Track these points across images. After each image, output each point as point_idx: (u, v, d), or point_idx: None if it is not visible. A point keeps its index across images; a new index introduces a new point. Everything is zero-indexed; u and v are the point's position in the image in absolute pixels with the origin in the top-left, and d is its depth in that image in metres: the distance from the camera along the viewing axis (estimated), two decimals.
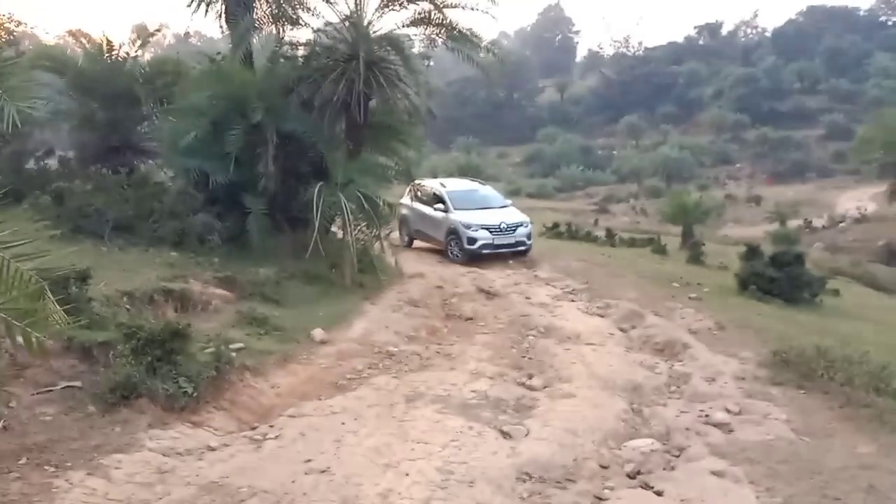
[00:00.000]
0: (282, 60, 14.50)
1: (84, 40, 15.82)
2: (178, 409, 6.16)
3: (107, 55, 15.35)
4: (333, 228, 13.82)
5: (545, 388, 7.98)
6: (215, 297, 9.46)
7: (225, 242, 12.03)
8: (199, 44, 66.65)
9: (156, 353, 6.39)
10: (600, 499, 5.41)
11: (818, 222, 37.19)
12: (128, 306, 7.99)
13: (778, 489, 5.43)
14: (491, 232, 16.10)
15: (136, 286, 8.64)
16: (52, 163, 16.07)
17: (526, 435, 6.51)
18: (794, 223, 33.73)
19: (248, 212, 12.24)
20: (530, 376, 8.35)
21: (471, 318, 11.26)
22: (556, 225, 24.23)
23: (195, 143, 12.35)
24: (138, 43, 16.04)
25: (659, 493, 5.44)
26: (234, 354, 7.34)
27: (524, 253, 16.52)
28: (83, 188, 12.25)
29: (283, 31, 14.64)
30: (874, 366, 7.79)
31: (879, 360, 8.03)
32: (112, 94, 14.59)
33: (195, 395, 6.33)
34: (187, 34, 78.69)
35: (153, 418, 5.93)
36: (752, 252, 14.26)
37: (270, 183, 12.50)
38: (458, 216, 16.37)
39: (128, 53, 15.68)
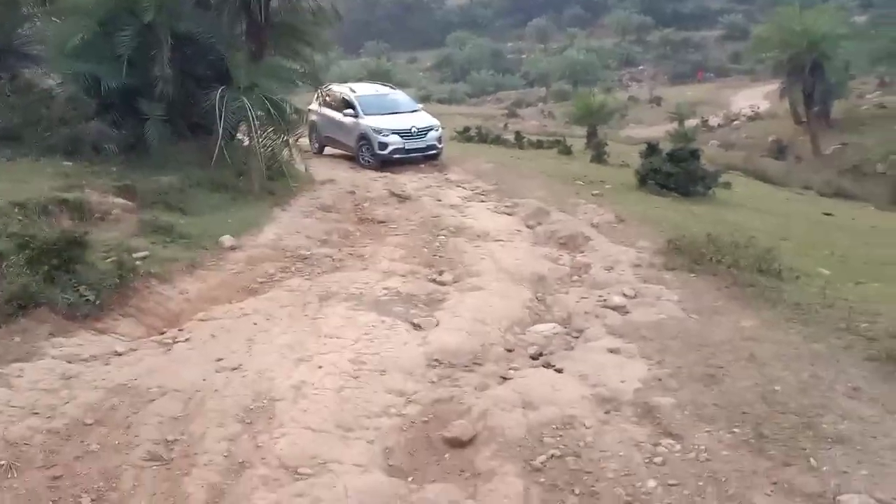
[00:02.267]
0: None
1: None
2: (81, 317, 6.04)
3: None
4: (239, 136, 13.36)
5: (455, 282, 8.22)
6: (115, 206, 9.10)
7: (122, 151, 11.45)
8: None
9: (52, 262, 6.20)
10: (505, 378, 5.72)
11: (714, 121, 38.55)
12: (20, 217, 7.61)
13: (668, 361, 5.87)
14: (402, 137, 15.94)
15: (28, 196, 8.21)
16: None
17: (436, 326, 6.75)
18: (692, 122, 34.87)
19: (146, 118, 11.63)
20: (441, 272, 8.57)
21: (383, 222, 11.31)
22: (466, 129, 24.23)
23: (83, 45, 11.44)
24: None
25: (559, 371, 5.80)
26: (138, 263, 7.20)
27: (435, 157, 16.51)
28: None
29: None
30: (759, 249, 8.35)
31: (764, 244, 8.64)
32: None
33: (98, 302, 6.22)
34: None
35: (55, 327, 5.80)
36: (651, 150, 14.77)
37: (168, 87, 11.81)
38: (368, 121, 16.10)
39: None
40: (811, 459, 4.36)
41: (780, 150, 29.94)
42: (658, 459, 4.48)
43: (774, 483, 4.19)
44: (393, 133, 15.88)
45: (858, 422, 4.72)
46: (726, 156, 25.34)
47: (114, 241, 7.61)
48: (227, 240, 8.98)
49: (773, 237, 10.06)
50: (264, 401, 5.06)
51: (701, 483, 4.25)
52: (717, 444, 4.60)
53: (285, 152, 13.22)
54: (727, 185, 15.60)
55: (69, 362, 5.36)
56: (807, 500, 4.03)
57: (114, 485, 4.11)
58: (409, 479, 4.35)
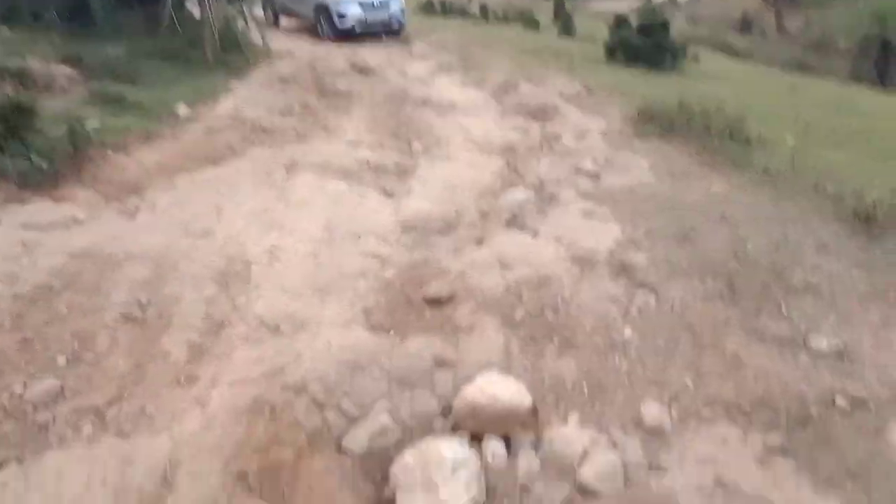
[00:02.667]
0: None
1: None
2: (35, 185, 5.74)
3: None
4: (188, 5, 12.53)
5: (425, 153, 8.05)
6: (60, 75, 8.54)
7: (64, 20, 10.68)
8: None
9: None
10: (481, 242, 5.69)
11: None
12: None
13: (640, 223, 5.87)
14: (362, 8, 15.19)
15: None
16: None
17: (408, 193, 6.63)
18: None
19: None
20: (409, 143, 8.37)
21: (347, 94, 10.91)
22: (429, 2, 23.23)
23: None
24: None
25: (534, 233, 5.77)
26: (90, 132, 6.81)
27: (398, 33, 15.85)
28: None
29: None
30: (729, 116, 8.30)
31: (732, 113, 8.57)
32: None
33: (52, 171, 5.91)
34: None
35: (7, 195, 5.52)
36: (620, 22, 14.36)
37: None
38: None
39: None
40: (782, 308, 4.48)
41: (745, 25, 29.60)
42: (634, 311, 4.54)
43: (747, 330, 4.31)
44: (353, 3, 15.10)
45: (827, 274, 4.83)
46: (694, 30, 24.91)
47: (62, 110, 7.17)
48: (182, 110, 8.58)
49: (741, 108, 10.00)
50: (238, 264, 4.95)
51: (676, 332, 4.34)
52: (691, 296, 4.68)
53: (240, 23, 12.53)
54: (695, 59, 15.38)
55: (26, 230, 5.12)
56: (778, 344, 4.16)
57: (88, 345, 4.01)
58: (391, 333, 4.36)
